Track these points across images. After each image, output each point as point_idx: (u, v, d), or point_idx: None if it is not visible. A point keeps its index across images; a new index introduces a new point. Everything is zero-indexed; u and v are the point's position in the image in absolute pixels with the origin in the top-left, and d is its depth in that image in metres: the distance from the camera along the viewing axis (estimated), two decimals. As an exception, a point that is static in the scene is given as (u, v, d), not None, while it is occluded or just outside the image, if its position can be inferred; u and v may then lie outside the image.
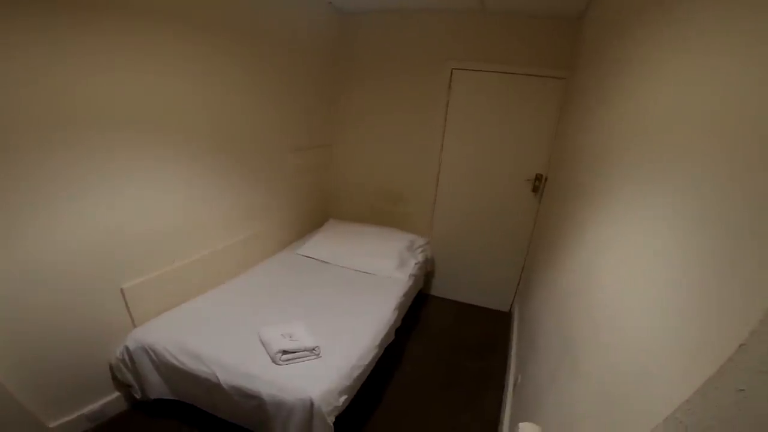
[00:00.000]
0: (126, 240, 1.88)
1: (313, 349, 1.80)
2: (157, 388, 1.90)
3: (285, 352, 1.73)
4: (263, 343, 1.85)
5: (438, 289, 3.65)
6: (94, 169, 1.68)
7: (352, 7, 3.07)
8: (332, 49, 3.27)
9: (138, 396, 1.94)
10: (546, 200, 2.85)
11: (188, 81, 2.03)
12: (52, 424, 1.72)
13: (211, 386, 1.72)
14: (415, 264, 2.94)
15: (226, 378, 1.68)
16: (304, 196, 3.38)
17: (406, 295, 2.63)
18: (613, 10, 1.83)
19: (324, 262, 2.89)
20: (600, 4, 2.13)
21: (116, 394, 1.99)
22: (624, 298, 0.92)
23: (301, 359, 1.77)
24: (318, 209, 3.66)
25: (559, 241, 1.96)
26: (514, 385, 2.19)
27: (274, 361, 1.74)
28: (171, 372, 1.83)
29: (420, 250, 3.13)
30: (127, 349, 1.85)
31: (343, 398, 1.71)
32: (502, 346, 2.96)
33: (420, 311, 3.33)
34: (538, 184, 2.97)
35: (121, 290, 1.90)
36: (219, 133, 2.31)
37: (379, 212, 3.62)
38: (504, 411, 2.17)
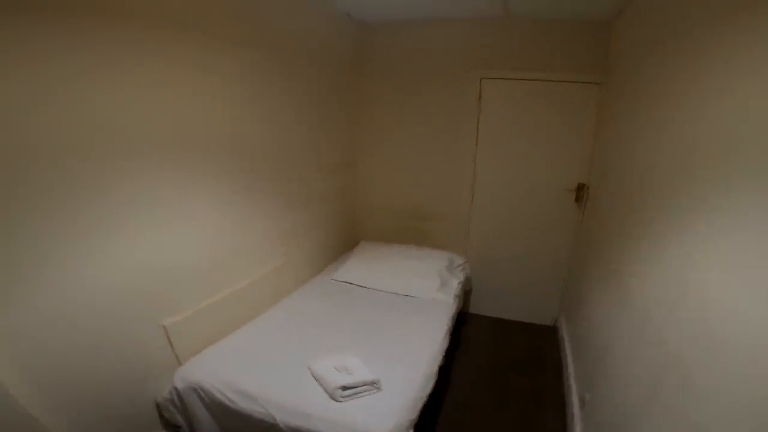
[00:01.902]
0: (163, 275, 1.80)
1: (374, 383, 1.69)
2: (207, 427, 1.79)
3: (345, 387, 1.62)
4: (316, 378, 1.75)
5: (476, 306, 3.51)
6: (122, 201, 1.56)
7: (372, 18, 3.01)
8: (355, 64, 3.21)
9: (187, 438, 1.84)
10: (591, 210, 2.72)
11: (216, 102, 1.97)
12: (102, 470, 1.63)
13: (267, 427, 1.61)
14: (458, 284, 2.83)
15: (283, 418, 1.57)
16: (333, 217, 3.30)
17: (453, 317, 2.51)
18: (658, 9, 1.76)
19: (362, 286, 2.79)
20: (639, 3, 2.06)
21: (164, 435, 1.90)
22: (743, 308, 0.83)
23: (361, 394, 1.66)
24: (347, 231, 3.57)
25: (622, 251, 1.84)
26: (582, 402, 2.05)
27: (332, 398, 1.63)
28: (222, 412, 1.74)
29: (460, 269, 3.02)
30: (175, 388, 1.77)
31: (408, 434, 1.59)
32: (552, 361, 2.81)
33: (460, 330, 3.18)
34: (581, 193, 2.85)
35: (163, 327, 1.83)
36: (248, 155, 2.24)
37: (410, 231, 3.50)
38: (574, 430, 2.03)
